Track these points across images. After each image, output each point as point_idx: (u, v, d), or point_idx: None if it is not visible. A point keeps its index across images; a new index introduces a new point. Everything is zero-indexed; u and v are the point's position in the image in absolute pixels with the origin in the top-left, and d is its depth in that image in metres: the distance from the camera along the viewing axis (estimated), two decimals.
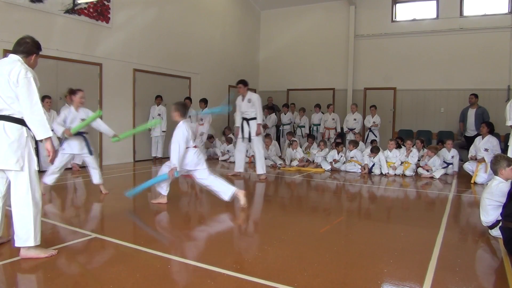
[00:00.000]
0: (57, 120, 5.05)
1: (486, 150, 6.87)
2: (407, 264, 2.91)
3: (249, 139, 6.87)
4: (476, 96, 9.03)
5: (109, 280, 2.53)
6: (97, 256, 3.01)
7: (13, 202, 2.81)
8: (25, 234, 2.80)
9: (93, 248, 3.17)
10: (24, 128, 2.81)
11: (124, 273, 2.65)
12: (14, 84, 2.73)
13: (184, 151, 4.46)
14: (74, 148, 5.07)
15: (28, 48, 2.91)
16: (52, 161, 2.97)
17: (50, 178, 5.09)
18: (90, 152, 5.22)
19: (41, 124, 2.77)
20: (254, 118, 6.78)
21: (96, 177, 5.30)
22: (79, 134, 5.11)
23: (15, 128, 2.78)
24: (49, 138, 2.82)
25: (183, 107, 4.67)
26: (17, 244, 2.83)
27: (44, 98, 6.85)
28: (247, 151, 9.47)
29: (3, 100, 2.75)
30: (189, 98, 9.66)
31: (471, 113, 8.95)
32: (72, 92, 5.15)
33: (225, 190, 4.56)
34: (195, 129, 4.63)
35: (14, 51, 2.88)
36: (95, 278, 2.58)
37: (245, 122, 6.85)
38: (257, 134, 6.79)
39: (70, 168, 7.50)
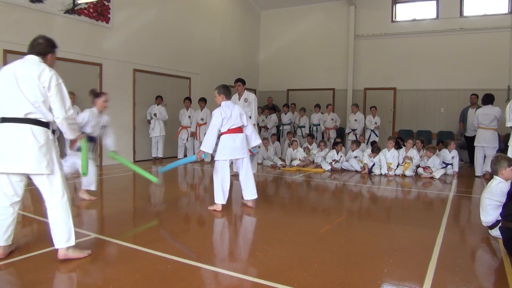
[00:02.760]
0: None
1: None
2: (407, 264, 2.91)
3: None
4: (477, 96, 9.03)
5: (109, 280, 2.53)
6: (97, 256, 3.01)
7: (50, 206, 2.80)
8: (67, 235, 2.81)
9: (93, 248, 3.17)
10: (49, 131, 2.81)
11: (124, 273, 2.65)
12: (45, 89, 2.71)
13: (225, 136, 4.39)
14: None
15: (42, 49, 2.87)
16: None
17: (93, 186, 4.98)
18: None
19: (74, 128, 2.95)
20: (249, 118, 6.83)
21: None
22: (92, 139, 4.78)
23: (42, 132, 2.75)
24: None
25: (226, 89, 4.58)
26: (59, 246, 2.82)
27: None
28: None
29: (30, 103, 2.70)
30: (188, 98, 9.67)
31: (471, 113, 8.95)
32: (95, 95, 4.83)
33: (251, 192, 4.56)
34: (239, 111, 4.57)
35: (30, 52, 2.85)
36: (95, 278, 2.58)
37: None
38: None
39: None
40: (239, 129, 4.49)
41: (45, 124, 2.78)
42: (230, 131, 4.41)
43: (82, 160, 4.18)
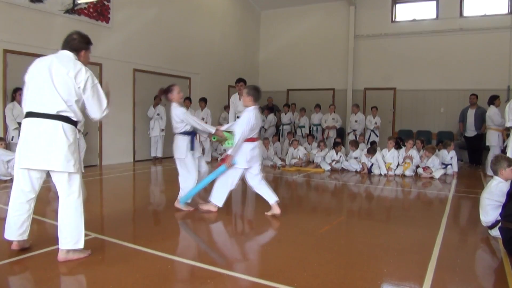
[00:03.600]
0: (199, 121, 4.52)
1: None
2: (407, 264, 2.91)
3: None
4: (477, 96, 9.04)
5: (109, 280, 2.53)
6: (97, 256, 3.01)
7: (64, 205, 2.77)
8: (76, 237, 2.78)
9: (93, 248, 3.16)
10: (77, 130, 2.83)
11: (124, 273, 2.65)
12: (80, 89, 2.72)
13: (246, 144, 4.09)
14: (197, 150, 4.61)
15: (76, 45, 2.87)
16: None
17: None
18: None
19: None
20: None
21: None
22: (189, 134, 4.43)
23: (72, 130, 2.75)
24: None
25: (257, 92, 4.24)
26: (65, 247, 2.79)
27: (17, 90, 6.24)
28: None
29: (63, 101, 2.69)
30: (188, 99, 9.66)
31: (471, 113, 8.97)
32: (167, 90, 4.65)
33: (268, 197, 4.28)
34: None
35: (64, 48, 2.84)
36: (95, 278, 2.58)
37: None
38: None
39: None
40: (257, 138, 4.29)
41: (75, 123, 2.78)
42: (252, 139, 4.18)
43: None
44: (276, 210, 4.23)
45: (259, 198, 5.29)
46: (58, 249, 2.85)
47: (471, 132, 8.95)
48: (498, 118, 7.40)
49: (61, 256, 2.81)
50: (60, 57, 2.80)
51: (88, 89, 2.73)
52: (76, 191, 2.79)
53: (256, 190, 4.36)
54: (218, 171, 4.21)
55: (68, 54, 2.83)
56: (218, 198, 4.27)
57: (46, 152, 2.66)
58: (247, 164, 4.16)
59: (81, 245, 2.81)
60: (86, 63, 2.93)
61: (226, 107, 11.33)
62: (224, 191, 4.25)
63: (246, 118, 4.08)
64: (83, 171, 2.91)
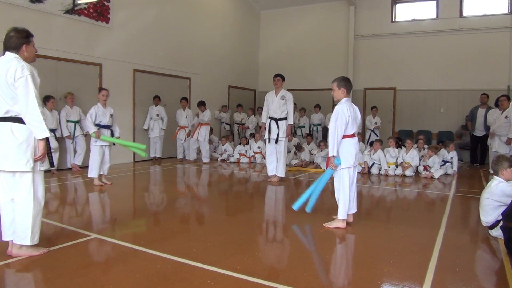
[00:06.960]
0: (88, 118, 5.89)
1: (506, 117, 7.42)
2: (407, 264, 2.91)
3: (276, 141, 6.46)
4: (487, 96, 8.99)
5: (109, 280, 2.53)
6: (97, 256, 3.01)
7: (14, 201, 2.82)
8: (23, 233, 2.81)
9: (93, 248, 3.16)
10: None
11: (124, 273, 2.65)
12: (12, 85, 2.70)
13: (349, 140, 3.73)
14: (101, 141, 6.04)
15: (15, 43, 2.82)
16: (38, 161, 2.83)
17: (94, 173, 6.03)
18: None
19: (38, 124, 2.74)
20: (284, 119, 6.47)
21: (103, 168, 6.20)
22: (107, 127, 6.17)
23: (23, 129, 2.75)
24: (45, 139, 2.80)
25: (349, 83, 3.82)
26: (14, 241, 2.86)
27: (49, 99, 6.97)
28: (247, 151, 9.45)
29: (5, 102, 2.72)
30: (185, 99, 9.64)
31: (481, 113, 8.87)
32: (98, 90, 6.25)
33: (355, 205, 3.98)
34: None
35: (6, 49, 2.84)
36: (95, 278, 2.58)
37: (273, 122, 6.51)
38: (287, 135, 6.47)
39: (70, 169, 7.51)
40: (354, 134, 3.86)
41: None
42: (353, 135, 3.81)
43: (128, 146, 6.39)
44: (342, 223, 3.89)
45: (260, 199, 5.28)
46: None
47: (480, 132, 8.90)
48: None
49: (14, 252, 2.87)
50: (1, 60, 2.79)
51: (17, 80, 2.68)
52: (26, 188, 2.80)
53: (345, 195, 3.91)
54: (326, 176, 3.91)
55: (7, 56, 2.80)
56: (341, 212, 3.86)
57: None
58: (354, 162, 3.80)
59: (27, 242, 2.83)
60: (33, 56, 2.91)
61: (223, 107, 11.36)
62: (344, 201, 3.84)
63: (338, 110, 3.68)
64: (41, 168, 2.87)
